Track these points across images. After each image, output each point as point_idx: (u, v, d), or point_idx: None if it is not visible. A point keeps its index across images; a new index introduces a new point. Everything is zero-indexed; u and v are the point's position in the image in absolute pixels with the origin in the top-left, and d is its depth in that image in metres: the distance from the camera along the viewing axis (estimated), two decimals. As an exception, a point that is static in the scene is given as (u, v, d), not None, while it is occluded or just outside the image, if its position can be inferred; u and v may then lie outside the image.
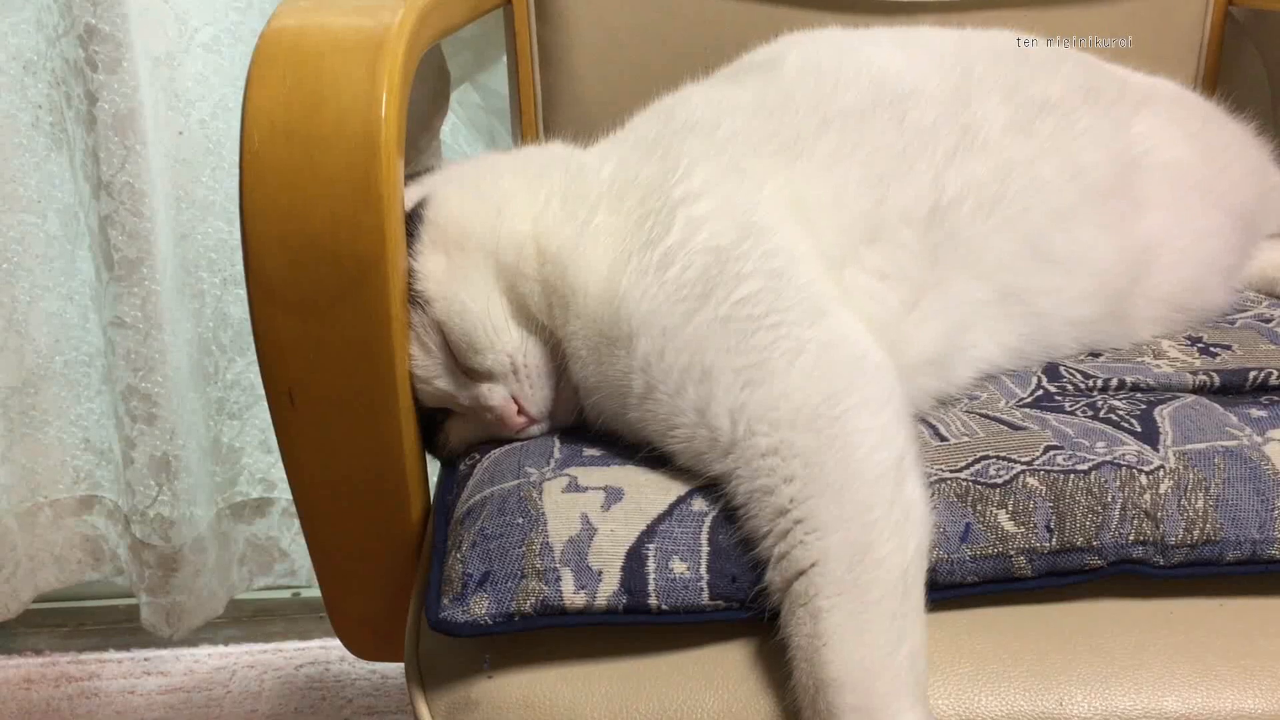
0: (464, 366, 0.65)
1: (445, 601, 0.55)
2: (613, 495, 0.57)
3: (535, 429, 0.66)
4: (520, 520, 0.56)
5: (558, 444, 0.64)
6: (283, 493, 1.31)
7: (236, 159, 0.55)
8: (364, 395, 0.60)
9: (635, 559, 0.55)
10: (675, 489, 0.58)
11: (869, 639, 0.51)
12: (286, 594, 1.42)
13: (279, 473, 1.29)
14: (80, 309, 1.23)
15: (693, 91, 0.77)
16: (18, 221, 1.18)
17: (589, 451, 0.62)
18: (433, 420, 0.68)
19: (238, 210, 0.56)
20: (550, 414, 0.66)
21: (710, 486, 0.58)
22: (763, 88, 0.73)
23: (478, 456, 0.65)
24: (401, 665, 0.59)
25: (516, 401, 0.65)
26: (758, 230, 0.62)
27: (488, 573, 0.55)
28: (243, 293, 1.22)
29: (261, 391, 1.27)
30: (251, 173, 0.56)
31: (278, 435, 0.62)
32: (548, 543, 0.55)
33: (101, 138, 1.11)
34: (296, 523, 1.29)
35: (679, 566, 0.55)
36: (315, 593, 1.35)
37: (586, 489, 0.57)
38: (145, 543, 1.26)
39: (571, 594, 0.54)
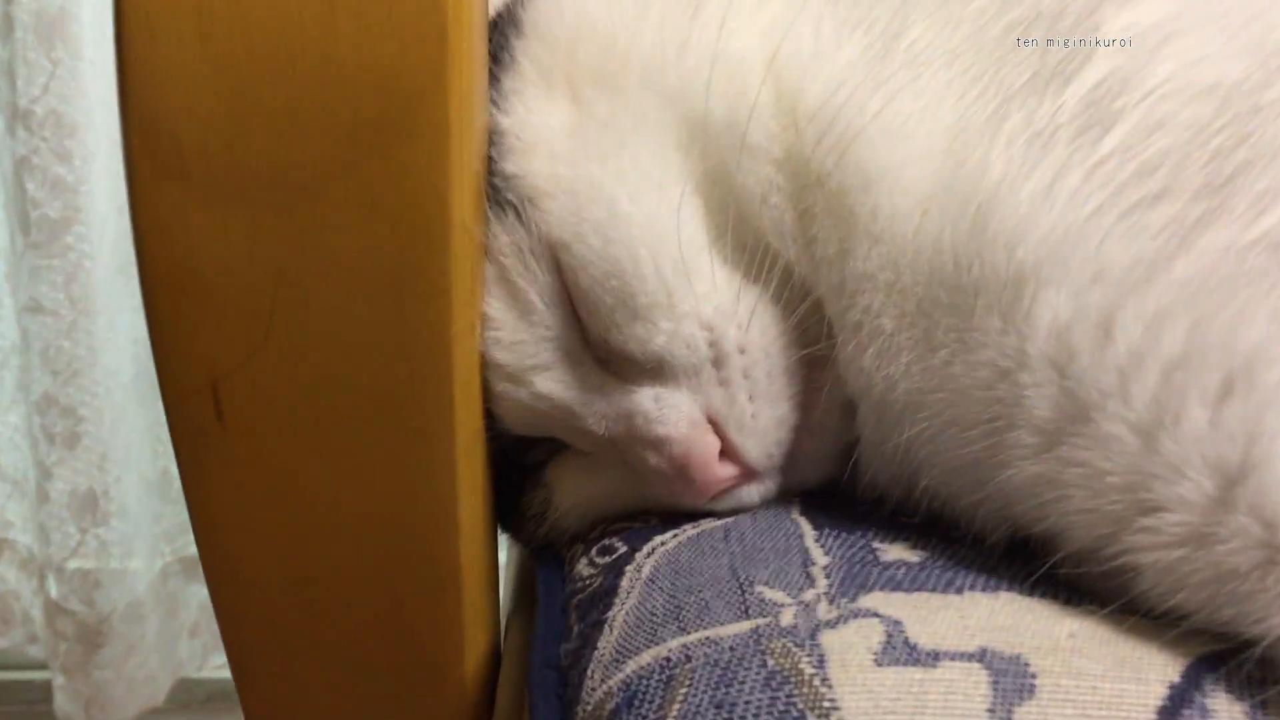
0: (602, 344, 0.31)
1: None
2: (1009, 678, 0.23)
3: (749, 492, 0.31)
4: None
5: (806, 526, 0.29)
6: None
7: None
8: (375, 404, 0.28)
9: None
10: (1149, 660, 0.23)
11: None
12: (252, 676, 1.15)
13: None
14: (-12, 291, 1.05)
15: None
16: (-95, 172, 1.00)
17: (890, 550, 0.27)
18: (517, 464, 0.33)
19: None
20: (785, 461, 0.31)
21: (1236, 649, 0.23)
22: None
23: (620, 547, 0.30)
24: None
25: (717, 428, 0.30)
26: None
27: None
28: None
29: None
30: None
31: (185, 481, 0.29)
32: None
33: (19, 48, 0.90)
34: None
35: None
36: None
37: (938, 657, 0.23)
38: (61, 606, 1.02)
39: None
